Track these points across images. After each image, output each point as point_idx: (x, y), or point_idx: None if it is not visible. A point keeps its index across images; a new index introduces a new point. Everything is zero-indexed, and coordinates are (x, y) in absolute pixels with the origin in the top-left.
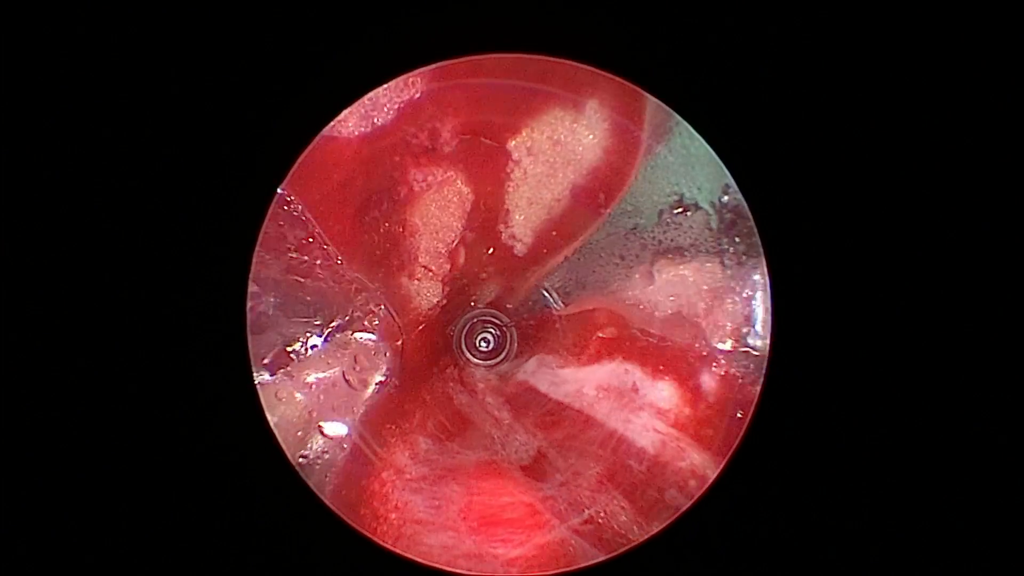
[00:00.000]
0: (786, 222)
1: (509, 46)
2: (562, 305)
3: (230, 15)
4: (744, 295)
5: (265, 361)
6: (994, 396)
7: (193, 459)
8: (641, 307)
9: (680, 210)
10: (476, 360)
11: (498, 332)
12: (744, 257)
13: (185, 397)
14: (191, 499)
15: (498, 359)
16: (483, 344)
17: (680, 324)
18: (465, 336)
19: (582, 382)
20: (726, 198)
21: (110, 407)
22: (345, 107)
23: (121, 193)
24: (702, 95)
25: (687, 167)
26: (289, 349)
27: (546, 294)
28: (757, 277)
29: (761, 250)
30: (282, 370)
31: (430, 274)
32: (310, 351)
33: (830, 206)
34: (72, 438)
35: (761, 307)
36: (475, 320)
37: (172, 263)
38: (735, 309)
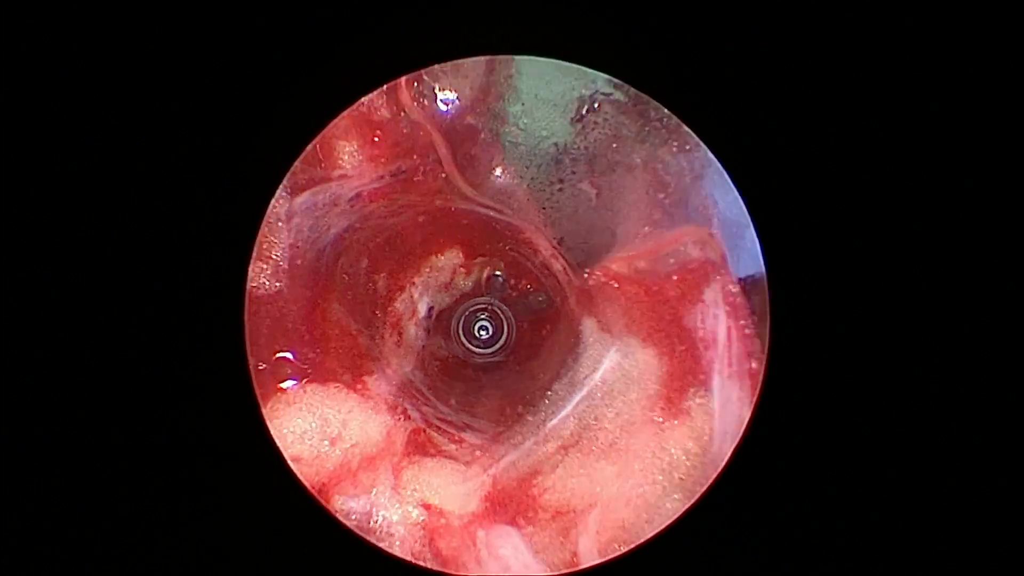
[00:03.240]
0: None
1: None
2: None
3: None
4: (695, 176)
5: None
6: (988, 376)
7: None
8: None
9: (586, 110)
10: (475, 348)
11: (494, 320)
12: (675, 138)
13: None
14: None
15: (496, 346)
16: (482, 332)
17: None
18: (463, 326)
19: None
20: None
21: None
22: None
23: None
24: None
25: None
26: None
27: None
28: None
29: (688, 128)
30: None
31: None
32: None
33: (826, 196)
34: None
35: (719, 188)
36: (468, 311)
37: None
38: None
